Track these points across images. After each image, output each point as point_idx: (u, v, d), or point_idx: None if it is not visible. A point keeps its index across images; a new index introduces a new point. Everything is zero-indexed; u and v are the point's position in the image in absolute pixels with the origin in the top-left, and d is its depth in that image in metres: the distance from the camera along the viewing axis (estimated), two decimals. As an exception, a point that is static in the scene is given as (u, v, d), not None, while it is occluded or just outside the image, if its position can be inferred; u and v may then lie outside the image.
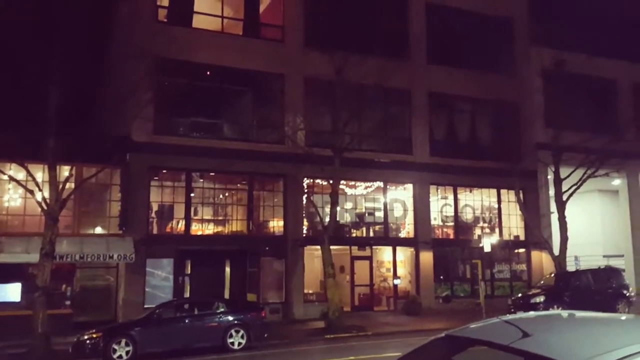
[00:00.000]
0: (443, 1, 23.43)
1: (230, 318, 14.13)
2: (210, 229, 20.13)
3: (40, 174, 15.27)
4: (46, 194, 14.37)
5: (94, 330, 13.28)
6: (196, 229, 19.71)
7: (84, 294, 17.53)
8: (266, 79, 20.92)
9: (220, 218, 20.42)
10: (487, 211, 24.65)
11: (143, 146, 18.07)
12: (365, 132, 21.62)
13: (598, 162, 21.30)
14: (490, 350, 3.13)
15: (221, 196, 20.76)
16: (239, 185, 20.91)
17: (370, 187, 22.44)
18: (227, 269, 19.76)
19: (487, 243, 19.78)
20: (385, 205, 22.59)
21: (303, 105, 20.55)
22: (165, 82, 18.75)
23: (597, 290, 18.67)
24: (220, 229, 20.31)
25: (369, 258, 22.29)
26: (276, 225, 20.89)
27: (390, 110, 22.88)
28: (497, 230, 24.08)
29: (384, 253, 23.00)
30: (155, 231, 19.01)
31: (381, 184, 22.45)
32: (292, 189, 20.55)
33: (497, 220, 24.55)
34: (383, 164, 21.74)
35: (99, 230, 18.16)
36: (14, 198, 17.10)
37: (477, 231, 23.46)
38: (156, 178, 19.22)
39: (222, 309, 14.41)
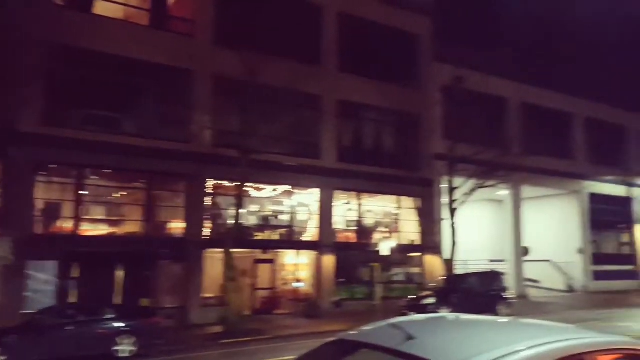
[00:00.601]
0: (354, 12, 24.07)
1: (119, 324, 13.35)
2: (103, 230, 18.87)
3: None
4: None
5: (-39, 340, 11.89)
6: (87, 230, 18.36)
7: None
8: (172, 74, 19.99)
9: (115, 218, 19.22)
10: (387, 217, 25.57)
11: (29, 138, 16.52)
12: (274, 135, 21.43)
13: (487, 174, 22.96)
14: (378, 354, 3.17)
15: (117, 195, 19.55)
16: (137, 184, 19.83)
17: (277, 190, 22.35)
18: (121, 273, 18.61)
19: (385, 247, 20.44)
20: (290, 208, 22.63)
21: (211, 104, 19.96)
22: (60, 70, 17.33)
23: (481, 292, 20.11)
24: (114, 229, 19.11)
25: (272, 261, 22.18)
26: (176, 226, 20.07)
27: (300, 115, 22.87)
28: (395, 235, 25.00)
29: (288, 256, 23.01)
30: (39, 231, 17.41)
31: (288, 187, 22.45)
32: (195, 190, 19.90)
33: (395, 225, 25.52)
34: (291, 167, 21.78)
35: (-28, 228, 16.27)
36: None
37: (377, 236, 24.21)
38: (43, 173, 17.66)
39: (110, 315, 13.56)
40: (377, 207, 25.35)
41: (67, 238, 17.62)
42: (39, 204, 17.47)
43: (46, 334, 12.54)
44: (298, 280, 22.30)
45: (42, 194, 17.49)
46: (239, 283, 18.27)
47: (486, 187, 23.74)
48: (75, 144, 17.24)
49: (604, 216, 32.94)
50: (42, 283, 16.94)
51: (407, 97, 25.10)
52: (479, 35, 28.86)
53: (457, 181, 23.11)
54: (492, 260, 29.16)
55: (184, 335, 16.78)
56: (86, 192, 18.41)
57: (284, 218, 22.63)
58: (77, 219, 17.94)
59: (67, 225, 17.96)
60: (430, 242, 24.43)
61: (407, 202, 25.52)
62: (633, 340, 3.27)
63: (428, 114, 25.71)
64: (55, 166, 18.04)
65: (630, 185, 34.43)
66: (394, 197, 25.44)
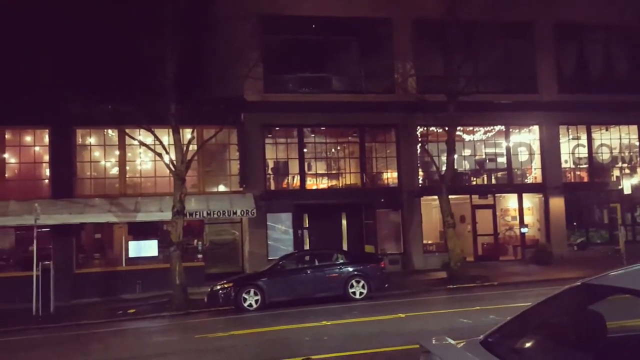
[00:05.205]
0: None
1: (350, 269, 14.29)
2: (324, 183, 20.40)
3: (166, 137, 16.34)
4: (173, 157, 15.46)
5: (225, 281, 14.16)
6: (311, 184, 20.07)
7: (213, 248, 18.89)
8: (372, 26, 20.17)
9: (334, 172, 20.57)
10: (627, 150, 22.16)
11: (255, 105, 18.56)
12: (483, 73, 20.10)
13: None
14: (633, 299, 2.76)
15: (333, 150, 20.84)
16: (350, 138, 20.79)
17: (491, 131, 21.10)
18: (344, 222, 20.01)
19: (628, 185, 17.76)
20: (508, 149, 21.18)
21: (412, 50, 19.54)
22: (271, 39, 18.83)
23: None
24: (334, 182, 20.49)
25: (492, 206, 21.20)
26: (390, 176, 20.58)
27: (510, 47, 20.89)
28: (638, 170, 21.51)
29: (509, 200, 21.72)
30: (272, 187, 19.69)
31: (502, 127, 21.03)
32: (405, 139, 19.99)
33: (638, 159, 21.95)
34: (504, 105, 20.25)
35: (221, 188, 19.23)
36: (145, 161, 18.61)
37: (616, 172, 21.20)
38: (270, 135, 19.75)
39: (341, 260, 14.63)
40: (614, 139, 22.06)
41: (296, 192, 19.56)
42: (270, 163, 19.67)
43: (289, 277, 14.12)
44: (523, 225, 20.90)
45: (270, 153, 19.64)
46: (459, 229, 17.93)
47: None
48: (292, 106, 18.74)
49: None
50: (280, 232, 19.27)
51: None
52: None
53: None
54: None
55: (409, 280, 17.28)
56: (306, 150, 20.01)
57: (501, 160, 21.28)
58: (302, 174, 19.70)
59: (294, 180, 19.89)
60: (688, 176, 20.29)
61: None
62: None
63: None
64: (278, 128, 19.96)
65: None
66: (634, 127, 21.90)
